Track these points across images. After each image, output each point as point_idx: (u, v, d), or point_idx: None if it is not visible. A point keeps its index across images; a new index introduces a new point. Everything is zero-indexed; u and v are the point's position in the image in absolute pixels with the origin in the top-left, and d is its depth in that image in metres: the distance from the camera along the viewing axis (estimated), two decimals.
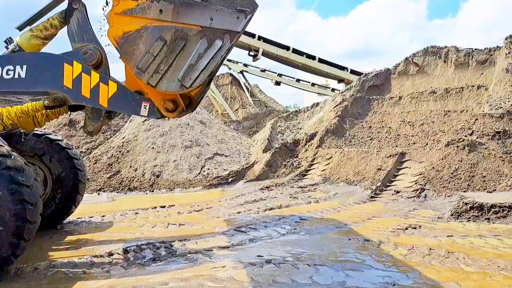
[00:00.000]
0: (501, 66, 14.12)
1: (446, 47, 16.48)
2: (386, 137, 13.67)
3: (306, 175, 12.44)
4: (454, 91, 14.51)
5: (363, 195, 9.62)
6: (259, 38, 22.14)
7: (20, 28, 5.76)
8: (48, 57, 5.15)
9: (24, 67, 5.06)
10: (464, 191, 8.59)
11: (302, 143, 14.27)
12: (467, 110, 13.37)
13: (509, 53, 14.47)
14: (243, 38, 20.88)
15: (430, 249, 5.41)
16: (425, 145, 12.14)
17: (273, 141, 15.21)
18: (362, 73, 17.74)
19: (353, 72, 22.39)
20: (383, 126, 14.27)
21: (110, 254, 5.29)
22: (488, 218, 6.99)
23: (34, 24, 5.57)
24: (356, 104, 15.47)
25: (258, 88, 34.28)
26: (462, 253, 5.23)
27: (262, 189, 11.10)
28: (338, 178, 11.32)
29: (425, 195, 8.85)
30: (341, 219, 7.41)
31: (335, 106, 15.43)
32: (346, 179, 11.05)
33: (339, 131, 14.30)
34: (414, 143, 12.72)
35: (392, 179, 10.35)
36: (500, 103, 11.63)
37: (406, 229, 6.58)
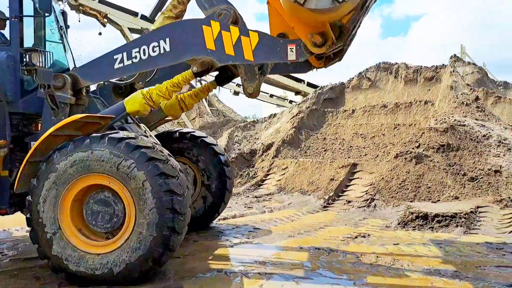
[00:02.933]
0: (446, 83, 14.98)
1: (397, 63, 17.28)
2: (340, 148, 14.04)
3: (261, 185, 12.50)
4: (404, 105, 15.18)
5: (317, 204, 9.80)
6: None
7: (152, 16, 5.87)
8: (186, 23, 5.11)
9: (167, 40, 4.99)
10: (411, 201, 8.96)
11: (258, 153, 14.37)
12: (415, 124, 14.01)
13: (453, 71, 15.39)
14: None
15: (377, 256, 5.59)
16: (375, 157, 12.58)
17: (229, 150, 15.20)
18: (318, 86, 18.20)
19: (309, 84, 22.91)
20: (337, 138, 14.65)
21: None
22: (432, 227, 7.33)
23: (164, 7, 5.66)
24: (311, 116, 15.81)
25: (217, 97, 34.26)
26: (407, 260, 5.44)
27: None
28: (293, 188, 11.47)
29: (375, 204, 9.15)
30: (295, 228, 7.50)
31: (292, 118, 15.69)
32: (301, 189, 11.22)
33: (295, 142, 14.54)
34: (365, 155, 13.15)
35: (344, 189, 10.62)
36: (445, 118, 12.30)
37: (356, 237, 6.76)
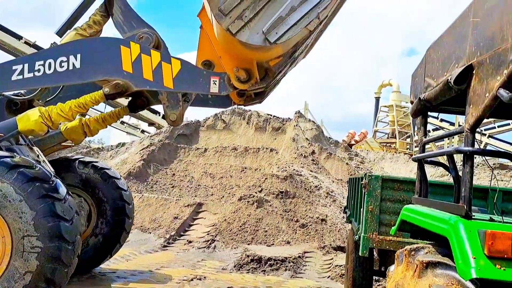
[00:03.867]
0: (290, 135, 16.54)
1: (250, 110, 18.44)
2: (188, 186, 14.01)
3: None
4: (252, 150, 16.13)
5: (156, 243, 9.43)
6: None
7: (60, 33, 5.23)
8: (102, 40, 4.67)
9: (78, 56, 4.45)
10: (249, 244, 9.33)
11: None
12: (260, 169, 14.94)
13: (296, 125, 17.13)
14: None
15: None
16: (221, 198, 12.89)
17: None
18: None
19: (164, 117, 22.72)
20: (186, 175, 14.62)
21: None
22: (264, 270, 7.70)
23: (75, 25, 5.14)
24: (163, 150, 15.54)
25: None
26: None
27: None
28: (133, 225, 10.85)
29: (215, 246, 9.24)
30: (129, 269, 7.02)
31: (142, 149, 15.16)
32: (141, 226, 10.69)
33: (142, 175, 13.98)
34: (212, 195, 13.38)
35: (187, 229, 10.51)
36: (286, 167, 13.45)
37: (192, 280, 6.66)
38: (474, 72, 2.10)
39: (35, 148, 5.41)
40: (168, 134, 16.31)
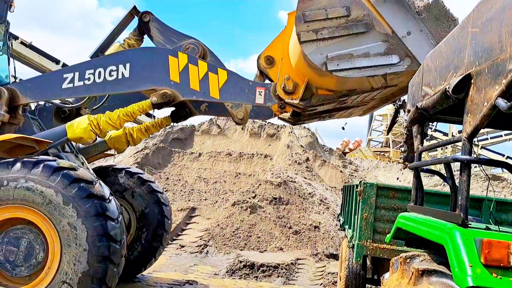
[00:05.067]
0: (284, 142, 16.56)
1: None
2: (181, 190, 13.95)
3: None
4: (246, 156, 16.12)
5: None
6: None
7: (93, 56, 5.26)
8: (151, 50, 4.70)
9: (127, 65, 4.53)
10: (241, 250, 9.29)
11: None
12: (254, 175, 14.93)
13: (291, 132, 17.16)
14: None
15: None
16: (215, 202, 12.84)
17: None
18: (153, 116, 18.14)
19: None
20: (180, 179, 14.57)
21: None
22: (257, 276, 7.66)
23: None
24: (157, 154, 15.49)
25: None
26: None
27: None
28: None
29: (207, 251, 9.19)
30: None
31: (136, 152, 15.09)
32: None
33: None
34: (205, 199, 13.33)
35: (180, 233, 10.45)
36: (280, 173, 13.44)
37: (184, 284, 6.61)
38: (472, 81, 2.12)
39: (80, 156, 5.48)
40: (163, 138, 16.27)
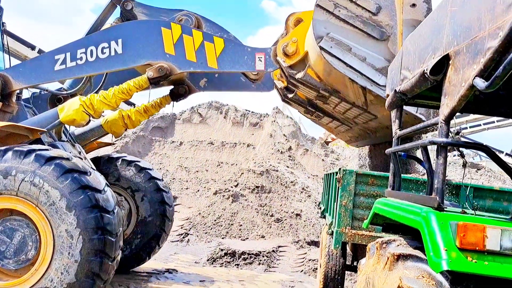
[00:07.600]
0: (267, 131, 16.49)
1: (227, 105, 18.30)
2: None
3: None
4: (229, 145, 16.01)
5: None
6: None
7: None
8: (142, 24, 4.51)
9: (119, 41, 4.40)
10: (223, 238, 9.24)
11: None
12: (236, 164, 14.85)
13: (274, 121, 17.10)
14: None
15: None
16: (196, 191, 12.73)
17: None
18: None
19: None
20: (161, 168, 14.38)
21: None
22: (238, 264, 7.63)
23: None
24: (137, 142, 15.25)
25: None
26: None
27: None
28: None
29: (188, 239, 9.11)
30: None
31: (115, 141, 14.80)
32: None
33: None
34: (187, 188, 13.20)
35: None
36: (262, 162, 13.40)
37: (164, 273, 6.54)
38: (450, 62, 2.06)
39: (77, 145, 5.30)
40: (143, 126, 16.01)
